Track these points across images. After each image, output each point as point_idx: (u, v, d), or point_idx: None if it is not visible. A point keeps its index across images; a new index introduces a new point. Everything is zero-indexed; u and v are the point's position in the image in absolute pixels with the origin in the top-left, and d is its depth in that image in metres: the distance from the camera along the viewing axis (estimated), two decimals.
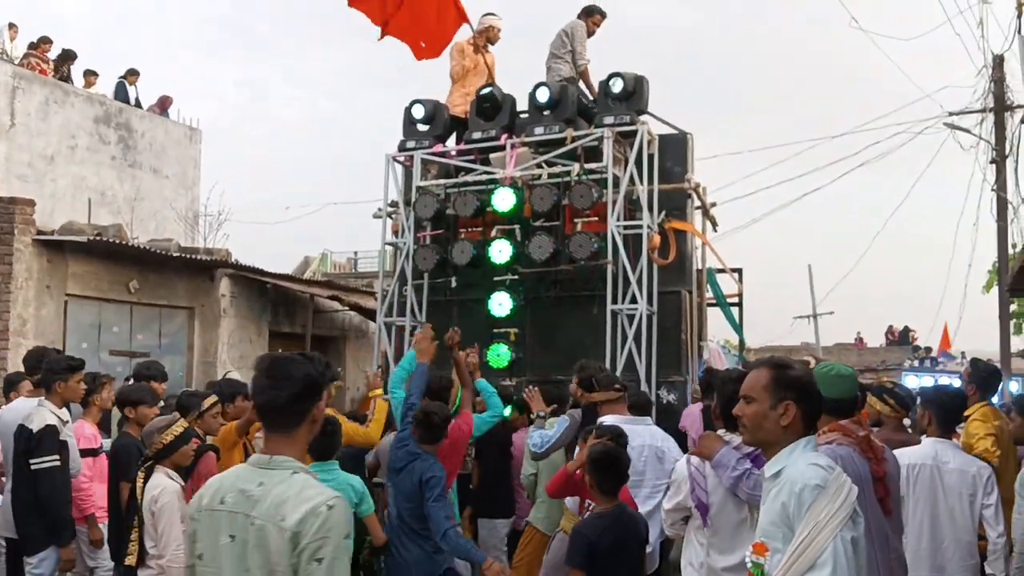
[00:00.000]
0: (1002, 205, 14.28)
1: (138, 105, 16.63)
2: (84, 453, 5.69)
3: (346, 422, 5.63)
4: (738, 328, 9.64)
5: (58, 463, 5.29)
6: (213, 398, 5.76)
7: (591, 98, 8.76)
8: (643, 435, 4.93)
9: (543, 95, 8.30)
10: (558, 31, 8.97)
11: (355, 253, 25.25)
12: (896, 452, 3.87)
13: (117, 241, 10.12)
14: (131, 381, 6.78)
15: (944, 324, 23.21)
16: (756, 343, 24.53)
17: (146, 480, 4.55)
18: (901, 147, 18.56)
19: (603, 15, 9.14)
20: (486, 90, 8.56)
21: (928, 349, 25.63)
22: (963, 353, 22.63)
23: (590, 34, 9.02)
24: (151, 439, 4.59)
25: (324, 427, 4.84)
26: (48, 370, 5.56)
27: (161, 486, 4.49)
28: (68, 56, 15.63)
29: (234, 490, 2.49)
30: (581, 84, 8.87)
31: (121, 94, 16.44)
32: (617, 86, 8.18)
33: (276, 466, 2.50)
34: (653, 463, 4.89)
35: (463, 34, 8.98)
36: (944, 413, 4.66)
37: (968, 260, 17.40)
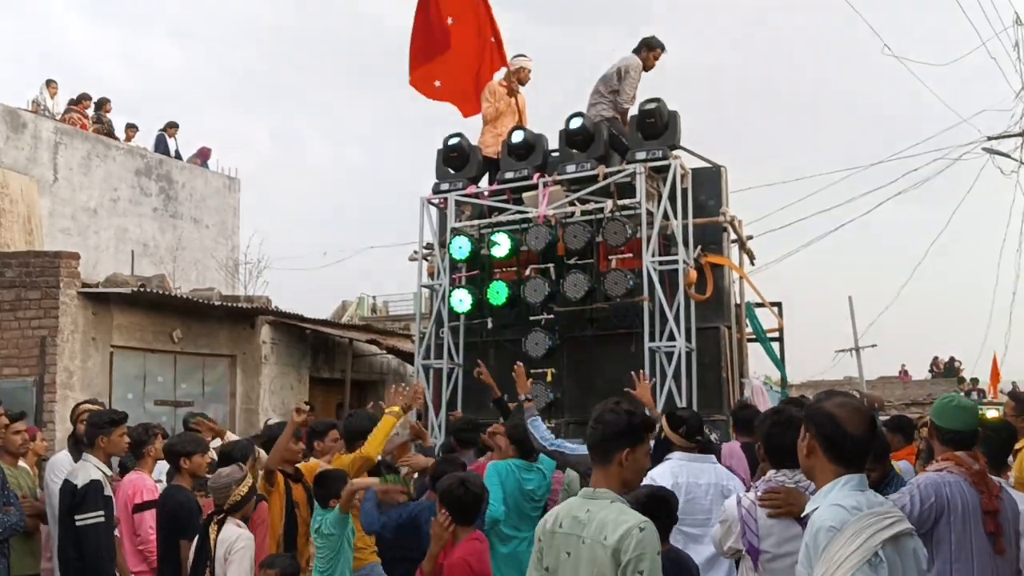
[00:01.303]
0: None
1: (178, 157, 17.02)
2: (146, 506, 5.65)
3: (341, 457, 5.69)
4: (779, 363, 9.49)
5: (102, 519, 5.28)
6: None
7: (624, 140, 8.77)
8: (708, 473, 4.84)
9: (576, 123, 8.35)
10: (613, 66, 8.83)
11: (374, 298, 25.02)
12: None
13: (160, 292, 10.27)
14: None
15: (993, 355, 22.71)
16: (798, 378, 24.12)
17: (219, 532, 4.57)
18: (939, 174, 18.32)
19: (664, 49, 8.98)
20: (517, 132, 8.61)
21: (975, 380, 25.05)
22: (1013, 383, 22.10)
23: (648, 68, 8.88)
24: (226, 492, 4.59)
25: (317, 479, 5.16)
26: (91, 424, 5.60)
27: (237, 534, 4.55)
28: (103, 103, 16.08)
29: (569, 516, 3.16)
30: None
31: (161, 146, 16.86)
32: (649, 105, 8.18)
33: (598, 496, 3.13)
34: (719, 502, 4.80)
35: (495, 75, 9.15)
36: (991, 448, 4.50)
37: (1013, 288, 17.08)
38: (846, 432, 2.70)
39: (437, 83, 9.47)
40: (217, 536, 4.55)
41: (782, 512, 3.54)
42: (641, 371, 6.34)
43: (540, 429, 5.59)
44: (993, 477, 4.44)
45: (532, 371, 7.99)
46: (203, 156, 17.71)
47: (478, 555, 4.26)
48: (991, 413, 6.77)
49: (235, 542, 4.50)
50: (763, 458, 3.83)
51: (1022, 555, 4.28)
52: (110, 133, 15.92)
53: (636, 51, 8.89)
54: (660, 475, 4.59)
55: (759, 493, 3.64)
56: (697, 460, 4.85)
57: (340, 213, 72.88)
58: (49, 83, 15.61)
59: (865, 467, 2.85)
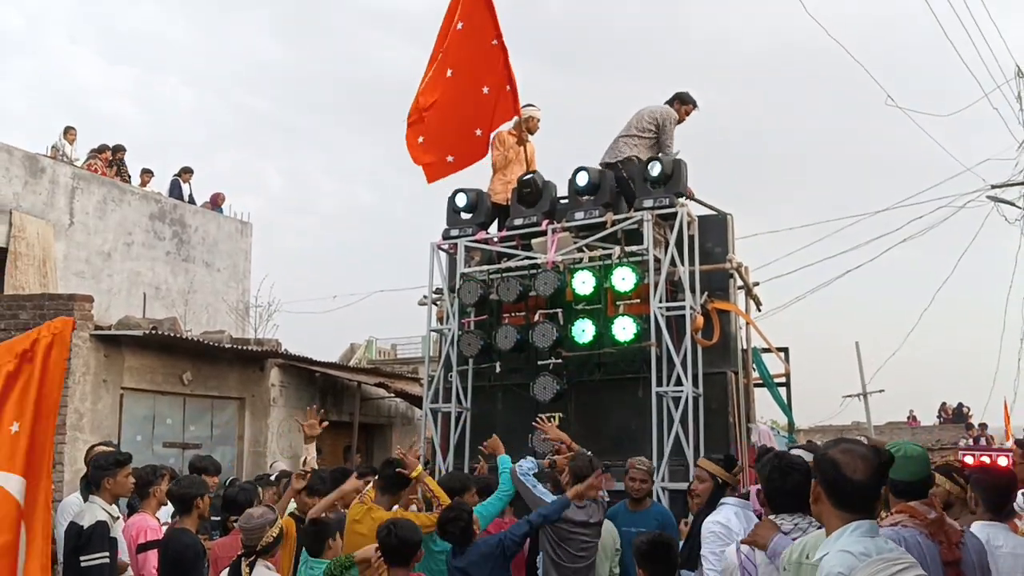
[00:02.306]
0: None
1: (191, 201, 17.25)
2: (150, 546, 5.71)
3: (409, 514, 5.65)
4: (786, 409, 9.50)
5: (107, 560, 5.31)
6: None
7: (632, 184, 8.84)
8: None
9: (582, 179, 8.46)
10: (642, 111, 8.87)
11: (370, 341, 24.78)
12: None
13: (172, 334, 10.37)
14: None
15: (1004, 401, 22.51)
16: (806, 423, 24.06)
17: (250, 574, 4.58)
18: (944, 221, 18.45)
19: (696, 106, 9.00)
20: (526, 180, 8.74)
21: (983, 426, 24.85)
22: None
23: (679, 122, 8.91)
24: (259, 533, 4.59)
25: (312, 525, 5.09)
26: (96, 467, 5.64)
27: None
28: (118, 149, 16.40)
29: (816, 549, 3.07)
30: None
31: (175, 191, 17.10)
32: (655, 170, 8.30)
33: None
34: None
35: (504, 124, 9.28)
36: (990, 495, 4.49)
37: (1021, 334, 17.06)
38: (848, 478, 2.74)
39: (420, 139, 9.19)
40: None
41: (748, 540, 3.68)
42: (540, 417, 7.00)
43: (526, 463, 5.89)
44: (993, 523, 4.42)
45: (539, 415, 8.04)
46: (216, 201, 17.95)
47: None
48: (1002, 461, 6.75)
49: None
50: (763, 502, 3.88)
51: None
52: (125, 178, 16.19)
53: (669, 103, 8.94)
54: (725, 519, 4.65)
55: None
56: (750, 509, 4.88)
57: (350, 255, 73.37)
58: (68, 130, 15.92)
59: (875, 513, 2.89)
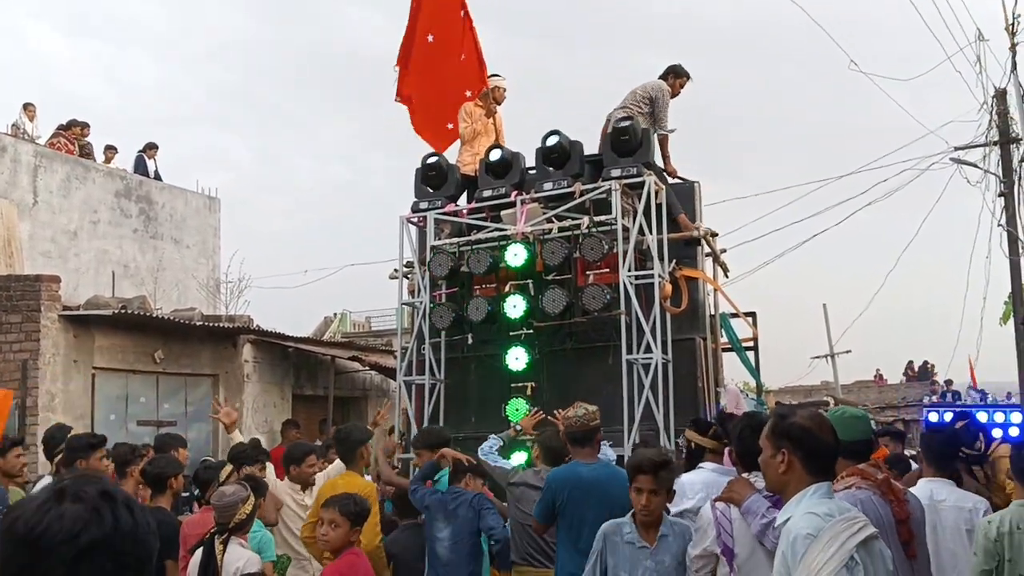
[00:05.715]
0: (1012, 239, 14.31)
1: (157, 177, 17.05)
2: None
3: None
4: (754, 372, 9.67)
5: None
6: (228, 467, 5.89)
7: (666, 170, 8.90)
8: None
9: (552, 140, 8.49)
10: (634, 89, 8.99)
11: (340, 313, 24.49)
12: None
13: (142, 313, 10.32)
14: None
15: (968, 358, 22.97)
16: (776, 385, 24.43)
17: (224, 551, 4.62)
18: (909, 183, 18.65)
19: (689, 78, 9.10)
20: (495, 151, 8.76)
21: (949, 382, 25.37)
22: (982, 390, 22.37)
23: (674, 95, 9.00)
24: (232, 511, 4.62)
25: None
26: (70, 448, 5.67)
27: (245, 557, 4.60)
28: (82, 125, 16.11)
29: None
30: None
31: (140, 167, 16.89)
32: (623, 124, 8.36)
33: None
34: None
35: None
36: (934, 453, 4.69)
37: (983, 293, 17.37)
38: (824, 441, 2.88)
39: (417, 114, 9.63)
40: (223, 556, 4.55)
41: (723, 497, 3.76)
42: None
43: (488, 442, 6.08)
44: (936, 479, 4.62)
45: (512, 385, 8.14)
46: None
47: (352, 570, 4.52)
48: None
49: (245, 565, 4.54)
50: (735, 461, 3.99)
51: (942, 555, 4.40)
52: (89, 155, 15.95)
53: (663, 77, 9.03)
54: (690, 483, 4.66)
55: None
56: (728, 474, 4.96)
57: (321, 230, 72.86)
58: (27, 106, 15.61)
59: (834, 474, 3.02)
